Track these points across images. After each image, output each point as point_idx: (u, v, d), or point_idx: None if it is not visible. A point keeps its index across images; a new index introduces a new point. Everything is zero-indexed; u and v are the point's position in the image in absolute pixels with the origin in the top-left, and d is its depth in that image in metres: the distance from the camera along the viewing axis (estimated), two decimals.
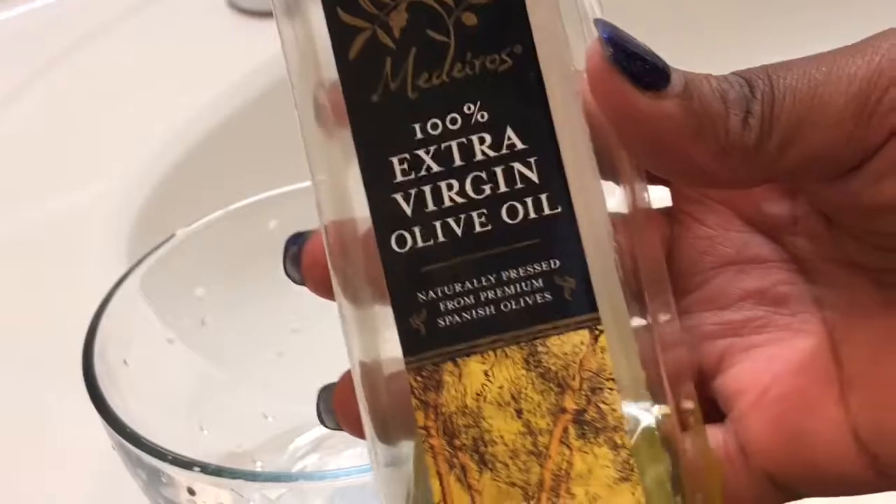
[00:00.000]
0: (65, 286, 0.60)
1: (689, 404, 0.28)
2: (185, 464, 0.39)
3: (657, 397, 0.27)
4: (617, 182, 0.27)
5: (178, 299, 0.51)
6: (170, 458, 0.40)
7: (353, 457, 0.51)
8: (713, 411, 0.29)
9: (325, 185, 0.28)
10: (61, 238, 0.63)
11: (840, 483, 0.28)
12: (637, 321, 0.27)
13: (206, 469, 0.39)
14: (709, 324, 0.30)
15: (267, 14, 0.77)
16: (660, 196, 0.29)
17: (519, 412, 0.27)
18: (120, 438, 0.41)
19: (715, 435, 0.29)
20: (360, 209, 0.27)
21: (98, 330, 0.45)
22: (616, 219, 0.27)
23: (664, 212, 0.30)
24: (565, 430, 0.26)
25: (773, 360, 0.29)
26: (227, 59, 0.75)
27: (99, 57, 0.77)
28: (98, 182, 0.67)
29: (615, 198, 0.27)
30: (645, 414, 0.27)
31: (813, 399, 0.28)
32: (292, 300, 0.52)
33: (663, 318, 0.28)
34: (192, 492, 0.40)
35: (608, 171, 0.27)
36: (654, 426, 0.27)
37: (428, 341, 0.27)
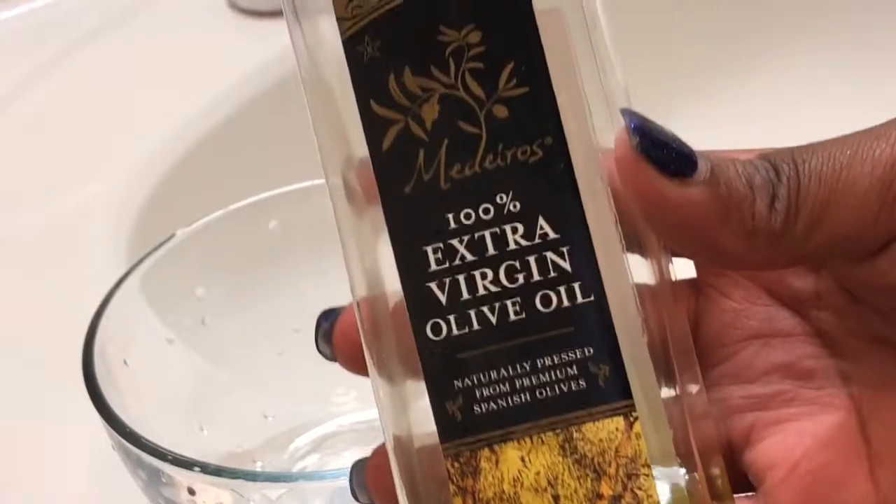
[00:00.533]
0: (65, 286, 0.60)
1: (717, 475, 0.28)
2: (185, 464, 0.39)
3: (688, 468, 0.27)
4: (644, 256, 0.28)
5: (178, 299, 0.51)
6: (170, 458, 0.40)
7: (354, 457, 0.51)
8: (743, 483, 0.30)
9: (356, 264, 0.28)
10: (61, 238, 0.63)
11: None
12: (666, 392, 0.27)
13: (206, 469, 0.39)
14: (737, 397, 0.30)
15: (267, 14, 0.77)
16: (684, 269, 0.30)
17: (556, 498, 0.27)
18: (120, 438, 0.41)
19: None
20: (389, 284, 0.28)
21: (98, 330, 0.45)
22: (643, 291, 0.27)
23: (688, 284, 0.30)
24: None
25: (803, 435, 0.29)
26: (227, 59, 0.75)
27: (99, 57, 0.77)
28: (98, 182, 0.67)
29: (642, 271, 0.28)
30: (676, 482, 0.27)
31: (842, 474, 0.29)
32: (293, 300, 0.53)
33: (692, 389, 0.28)
34: (192, 492, 0.40)
35: (635, 246, 0.28)
36: (685, 493, 0.27)
37: (464, 427, 0.27)
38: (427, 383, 0.27)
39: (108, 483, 0.49)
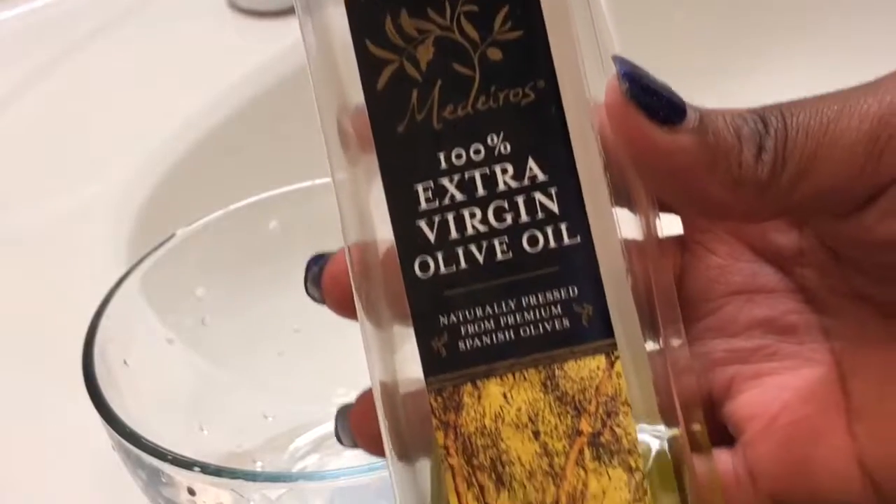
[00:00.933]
0: (65, 286, 0.60)
1: (697, 427, 0.28)
2: (185, 464, 0.39)
3: (669, 420, 0.28)
4: (632, 210, 0.28)
5: (178, 299, 0.51)
6: (170, 458, 0.40)
7: (353, 457, 0.51)
8: (722, 435, 0.30)
9: (349, 210, 0.28)
10: (61, 238, 0.63)
11: None
12: (650, 345, 0.28)
13: (206, 469, 0.39)
14: (719, 350, 0.30)
15: (267, 14, 0.77)
16: (670, 225, 0.30)
17: (536, 434, 0.27)
18: (120, 438, 0.41)
19: (724, 459, 0.29)
20: (380, 231, 0.28)
21: (98, 330, 0.45)
22: (630, 245, 0.28)
23: (674, 240, 0.31)
24: (581, 452, 0.27)
25: (783, 389, 0.30)
26: (227, 59, 0.75)
27: (99, 57, 0.77)
28: (98, 182, 0.67)
29: (630, 224, 0.28)
30: (657, 438, 0.27)
31: (820, 427, 0.29)
32: (293, 300, 0.52)
33: (675, 342, 0.28)
34: (192, 492, 0.40)
35: (623, 199, 0.28)
36: (666, 450, 0.27)
37: (448, 363, 0.27)
38: (413, 320, 0.28)
39: (108, 483, 0.49)
